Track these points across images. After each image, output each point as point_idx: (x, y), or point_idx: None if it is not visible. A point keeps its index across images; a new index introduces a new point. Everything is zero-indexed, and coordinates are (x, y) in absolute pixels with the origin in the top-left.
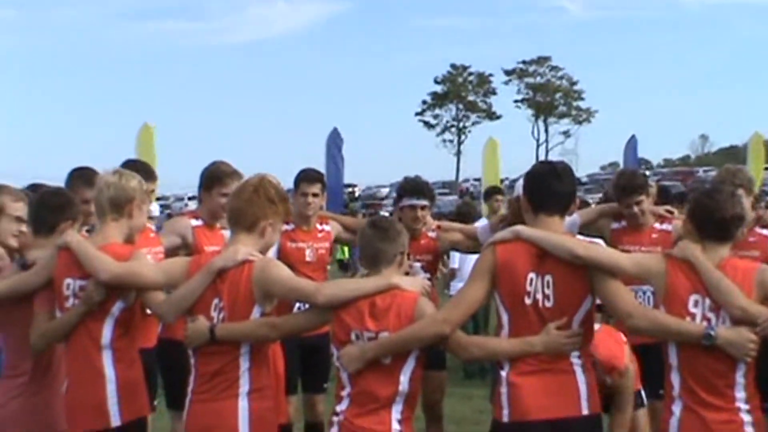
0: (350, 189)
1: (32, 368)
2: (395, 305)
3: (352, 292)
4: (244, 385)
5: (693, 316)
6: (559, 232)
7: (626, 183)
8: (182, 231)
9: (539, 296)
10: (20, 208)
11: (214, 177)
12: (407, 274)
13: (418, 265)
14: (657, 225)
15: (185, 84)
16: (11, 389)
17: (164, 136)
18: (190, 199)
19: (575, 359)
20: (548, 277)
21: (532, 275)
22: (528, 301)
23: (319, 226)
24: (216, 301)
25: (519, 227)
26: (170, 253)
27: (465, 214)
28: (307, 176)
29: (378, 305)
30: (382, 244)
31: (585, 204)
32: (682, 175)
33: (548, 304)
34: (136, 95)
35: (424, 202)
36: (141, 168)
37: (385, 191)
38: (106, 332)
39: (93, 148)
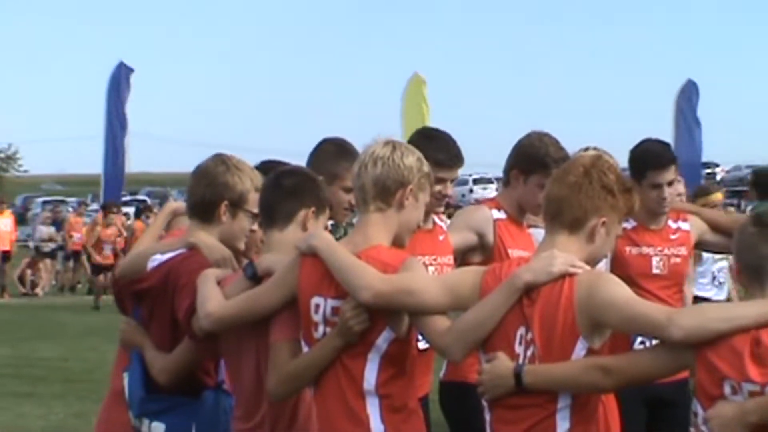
0: (709, 170)
1: (271, 419)
2: None
3: (725, 324)
4: None
5: None
6: None
7: None
8: (480, 225)
9: None
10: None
11: (536, 160)
12: None
13: None
14: None
15: (458, 27)
16: None
17: (437, 91)
18: (475, 182)
19: None
20: None
21: None
22: None
23: (672, 224)
24: (522, 331)
25: None
26: (460, 257)
27: None
28: (657, 159)
29: (765, 344)
30: None
31: None
32: None
33: None
34: (402, 40)
35: None
36: (439, 142)
37: None
38: (370, 373)
39: (341, 110)
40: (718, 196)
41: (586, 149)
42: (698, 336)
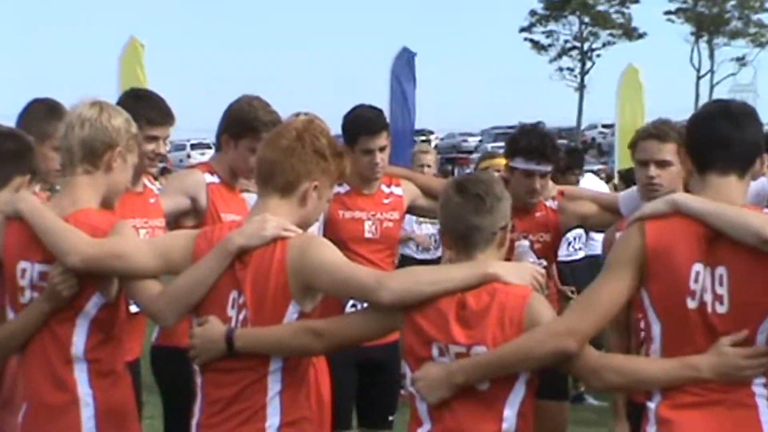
0: (423, 137)
1: None
2: (495, 307)
3: (432, 287)
4: (272, 417)
5: None
6: (739, 202)
7: None
8: (192, 189)
9: (708, 298)
10: None
11: (245, 124)
12: (509, 259)
13: (526, 243)
14: None
15: None
16: None
17: (156, 56)
18: (193, 147)
19: (759, 388)
20: (721, 270)
21: (698, 267)
22: (692, 304)
23: (385, 189)
24: (235, 294)
25: (678, 196)
26: (173, 221)
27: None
28: (369, 125)
29: (470, 307)
30: (476, 217)
31: None
32: None
33: (721, 310)
34: (118, 3)
35: (547, 169)
36: (149, 102)
37: (473, 141)
38: (79, 338)
39: (55, 74)
40: (502, 161)
41: (298, 114)
42: (407, 299)
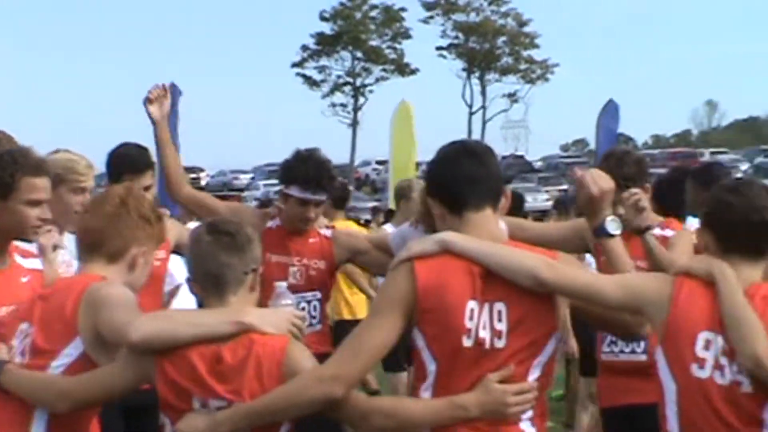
0: (193, 175)
1: None
2: (252, 360)
3: (186, 328)
4: None
5: (701, 363)
6: (498, 233)
7: (614, 167)
8: None
9: (485, 334)
10: None
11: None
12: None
13: (284, 284)
14: (658, 230)
15: None
16: None
17: None
18: None
19: (527, 425)
20: (500, 306)
21: (472, 305)
22: (467, 342)
23: None
24: (24, 325)
25: (447, 235)
26: None
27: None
28: (133, 163)
29: (226, 361)
30: (227, 255)
31: (518, 199)
32: (679, 158)
33: (499, 345)
34: None
35: (322, 198)
36: None
37: (245, 179)
38: None
39: None
40: None
41: (57, 151)
42: (156, 340)
